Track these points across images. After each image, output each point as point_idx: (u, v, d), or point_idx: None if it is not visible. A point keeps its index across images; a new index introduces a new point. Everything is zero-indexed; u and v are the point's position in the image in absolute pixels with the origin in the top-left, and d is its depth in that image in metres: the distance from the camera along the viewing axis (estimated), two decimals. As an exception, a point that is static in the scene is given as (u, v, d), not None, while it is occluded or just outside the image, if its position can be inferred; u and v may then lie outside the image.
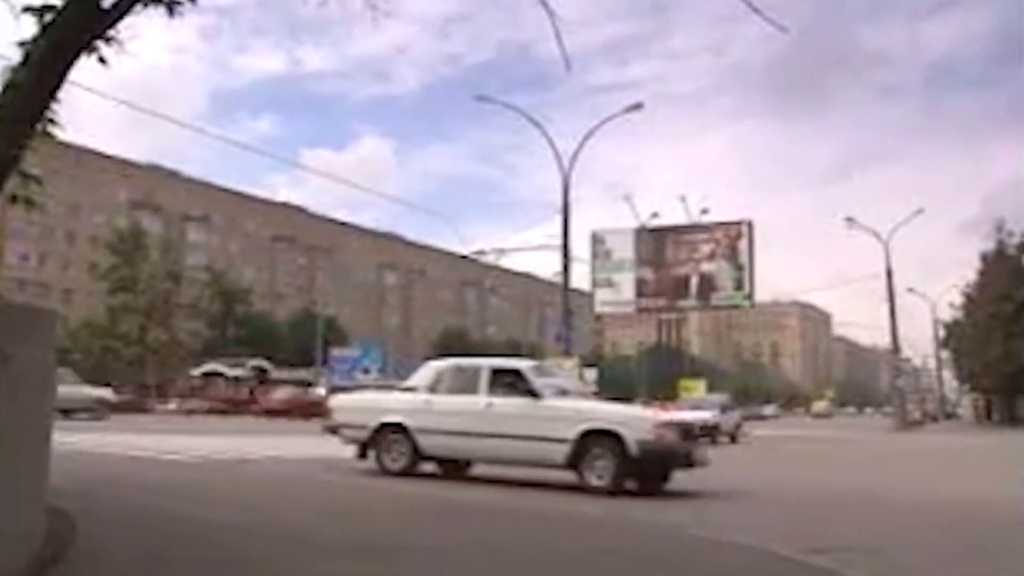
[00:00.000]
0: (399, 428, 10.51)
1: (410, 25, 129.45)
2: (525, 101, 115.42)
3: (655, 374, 59.18)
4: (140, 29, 5.60)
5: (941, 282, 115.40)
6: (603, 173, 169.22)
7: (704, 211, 42.14)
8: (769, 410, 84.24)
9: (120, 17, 5.45)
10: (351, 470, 10.81)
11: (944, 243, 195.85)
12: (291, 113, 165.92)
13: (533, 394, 9.84)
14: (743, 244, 40.59)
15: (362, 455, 10.92)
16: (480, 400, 10.10)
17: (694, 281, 41.45)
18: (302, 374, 52.25)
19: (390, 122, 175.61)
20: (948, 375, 68.46)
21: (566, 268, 27.29)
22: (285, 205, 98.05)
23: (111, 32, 5.47)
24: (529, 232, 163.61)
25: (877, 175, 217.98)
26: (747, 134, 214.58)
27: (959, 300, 55.15)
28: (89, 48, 5.43)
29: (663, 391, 40.41)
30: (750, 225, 41.11)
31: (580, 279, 40.15)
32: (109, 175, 77.85)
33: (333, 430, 11.45)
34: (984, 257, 51.99)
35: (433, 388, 10.59)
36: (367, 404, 11.45)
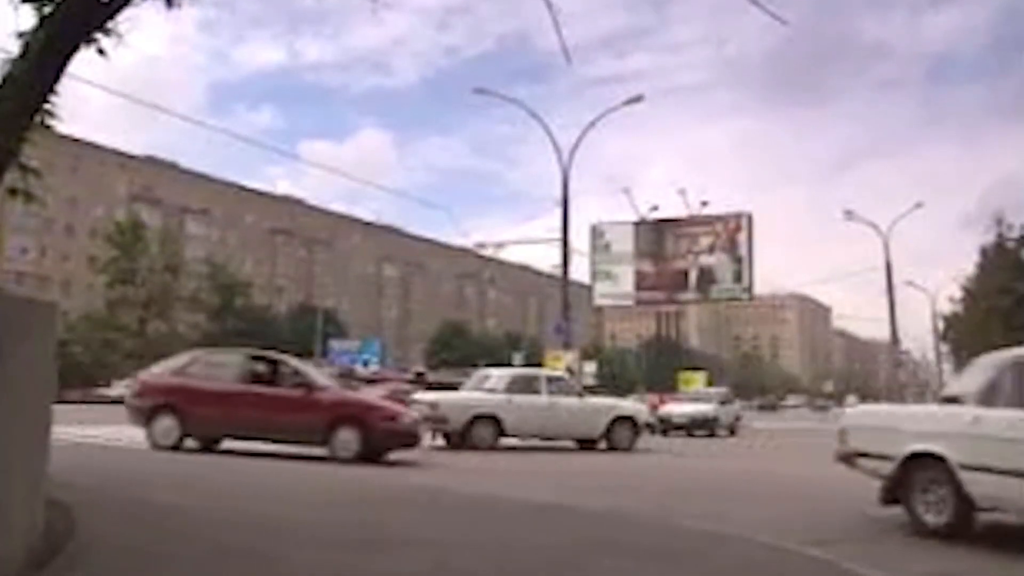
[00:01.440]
0: (937, 461, 6.57)
1: (410, 17, 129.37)
2: (525, 93, 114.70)
3: (654, 367, 59.25)
4: (139, 21, 5.60)
5: (940, 275, 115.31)
6: (603, 166, 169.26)
7: (704, 203, 42.16)
8: (793, 400, 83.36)
9: (119, 9, 5.44)
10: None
11: (943, 236, 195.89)
12: (290, 105, 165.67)
13: None
14: (742, 237, 40.59)
15: (890, 500, 6.98)
16: None
17: (693, 274, 41.46)
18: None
19: (390, 114, 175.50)
20: (947, 368, 68.50)
21: (566, 261, 27.27)
22: (284, 198, 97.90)
23: (110, 24, 5.45)
24: (529, 224, 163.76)
25: (877, 168, 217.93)
26: (747, 127, 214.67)
27: (958, 293, 55.20)
28: (88, 40, 5.42)
29: (662, 384, 40.44)
30: (749, 218, 41.09)
31: (579, 271, 40.22)
32: (108, 168, 77.72)
33: (847, 458, 7.62)
34: (983, 250, 51.99)
35: (987, 398, 6.51)
36: (891, 422, 7.47)
